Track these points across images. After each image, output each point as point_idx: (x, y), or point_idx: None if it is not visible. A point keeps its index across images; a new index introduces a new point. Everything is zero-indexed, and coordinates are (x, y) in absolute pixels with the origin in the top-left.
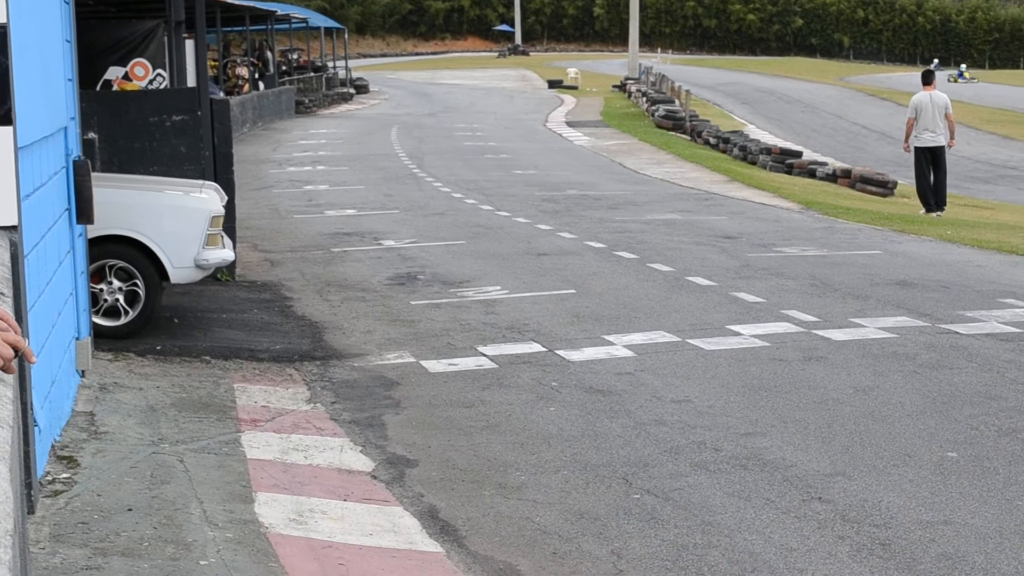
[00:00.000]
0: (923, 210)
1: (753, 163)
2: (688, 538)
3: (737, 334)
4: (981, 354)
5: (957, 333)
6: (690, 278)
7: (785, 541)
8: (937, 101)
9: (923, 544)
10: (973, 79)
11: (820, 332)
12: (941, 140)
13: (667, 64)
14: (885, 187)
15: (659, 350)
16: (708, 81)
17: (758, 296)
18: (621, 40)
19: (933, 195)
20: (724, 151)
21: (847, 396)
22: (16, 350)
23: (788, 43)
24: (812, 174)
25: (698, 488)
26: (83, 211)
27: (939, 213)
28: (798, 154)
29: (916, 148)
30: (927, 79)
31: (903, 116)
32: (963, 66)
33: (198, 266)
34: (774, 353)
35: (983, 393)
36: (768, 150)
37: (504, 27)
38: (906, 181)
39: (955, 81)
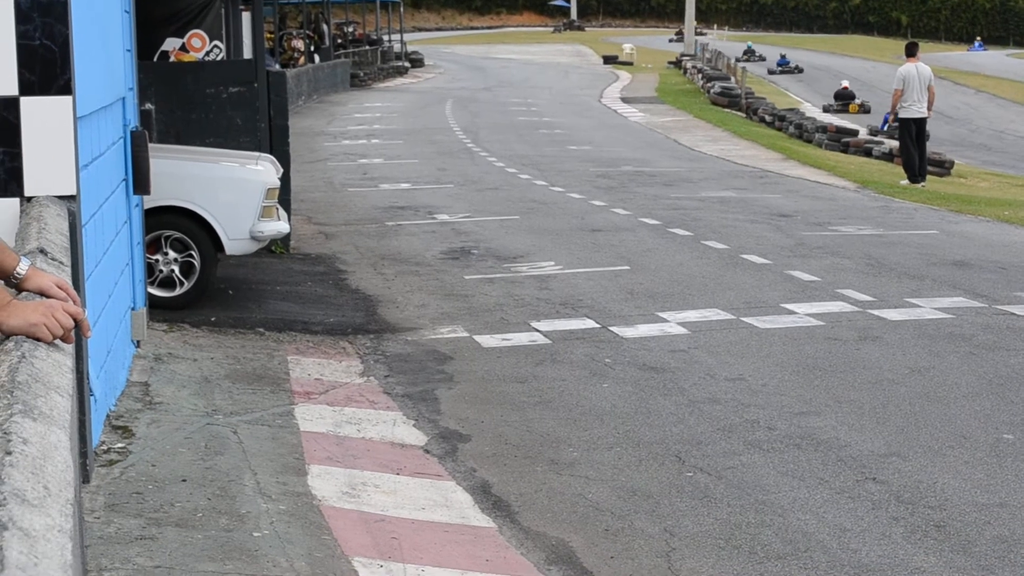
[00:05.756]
0: (906, 180)
1: (808, 141)
2: (741, 517)
3: (792, 313)
4: None
5: (1014, 314)
6: (745, 256)
7: (839, 521)
8: (923, 72)
9: (978, 527)
10: None
11: (875, 312)
12: (926, 111)
13: (723, 41)
14: (942, 167)
15: (713, 328)
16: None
17: (813, 275)
18: (677, 16)
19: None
20: (779, 129)
21: (902, 376)
22: (75, 320)
23: (845, 21)
24: (868, 153)
25: (751, 467)
26: (140, 182)
27: (923, 184)
28: (854, 132)
29: (902, 119)
30: (911, 51)
31: (960, 95)
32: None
33: (253, 238)
34: (829, 332)
35: None
36: (824, 128)
37: (560, 2)
38: (963, 160)
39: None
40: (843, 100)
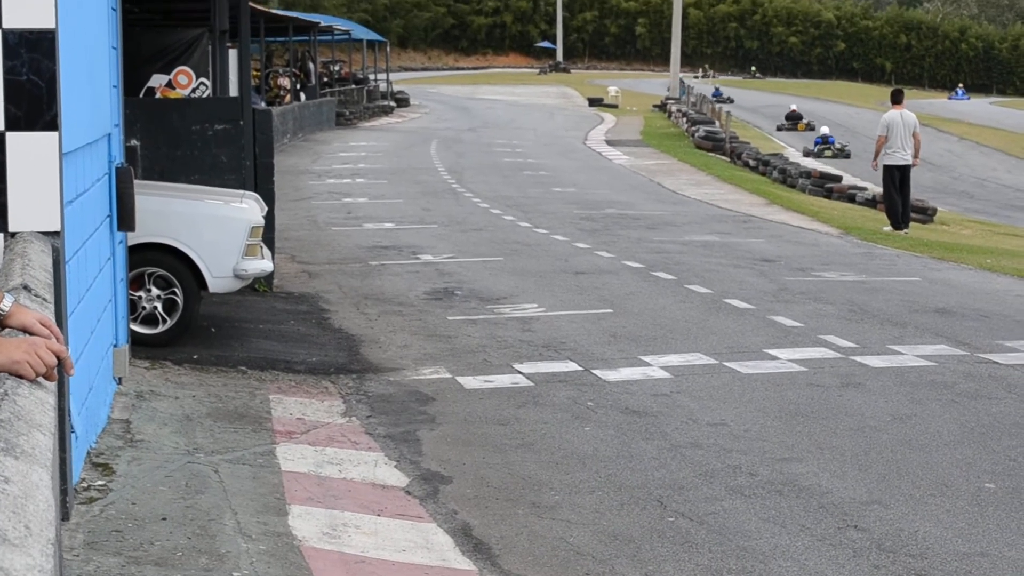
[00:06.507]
0: (888, 227)
1: (792, 186)
2: (722, 563)
3: (774, 358)
4: (1020, 384)
5: (996, 363)
6: (728, 300)
7: (820, 569)
8: (907, 120)
9: None
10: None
11: (858, 358)
12: (909, 159)
13: (707, 84)
14: (924, 213)
15: (696, 372)
16: (749, 103)
17: (796, 320)
18: (662, 59)
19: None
20: (763, 173)
21: (884, 424)
22: (58, 358)
23: (830, 66)
24: (851, 199)
25: (733, 513)
26: (124, 218)
27: (906, 231)
28: (838, 178)
29: (885, 166)
30: (897, 98)
31: (943, 142)
32: None
33: (237, 276)
34: (811, 378)
35: (1022, 424)
36: (807, 174)
37: (546, 44)
38: (946, 208)
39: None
40: (793, 120)
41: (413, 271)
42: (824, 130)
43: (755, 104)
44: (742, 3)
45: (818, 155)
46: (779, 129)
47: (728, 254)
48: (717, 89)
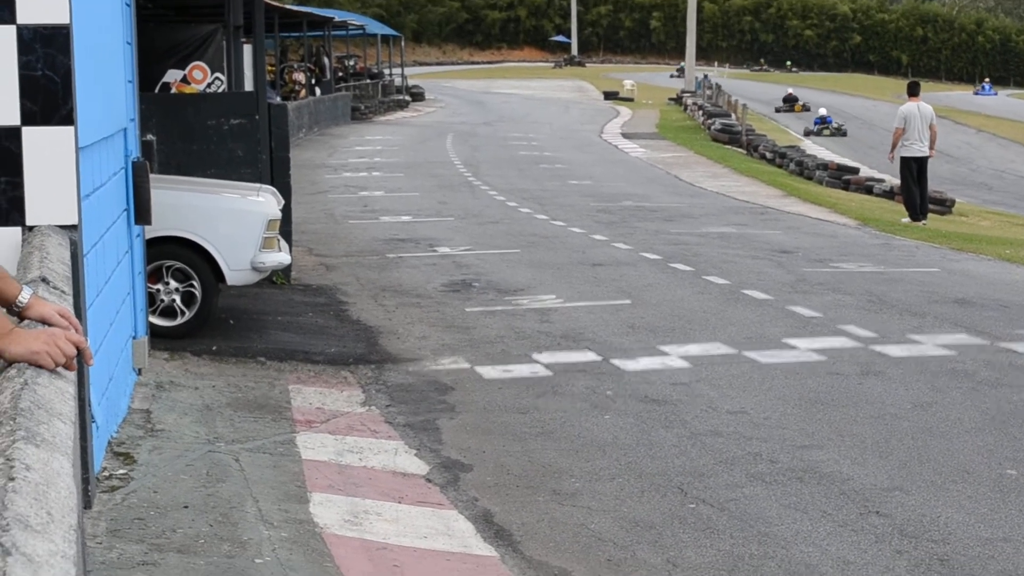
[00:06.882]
0: (907, 218)
1: (809, 178)
2: (744, 548)
3: (793, 348)
4: None
5: (1016, 352)
6: (746, 291)
7: (842, 554)
8: (924, 112)
9: (982, 561)
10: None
11: (877, 348)
12: (927, 150)
13: (724, 78)
14: (943, 205)
15: (715, 362)
16: (765, 96)
17: (814, 311)
18: (677, 53)
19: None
20: (780, 166)
21: (905, 411)
22: (77, 348)
23: (846, 59)
24: (869, 191)
25: (754, 499)
26: (141, 212)
27: (924, 222)
28: (855, 170)
29: (903, 158)
30: (913, 90)
31: (961, 135)
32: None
33: (254, 269)
34: (831, 367)
35: None
36: (825, 166)
37: (560, 38)
38: (964, 199)
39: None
40: (789, 103)
41: (430, 263)
42: (822, 111)
43: (770, 97)
44: None
45: (817, 134)
46: (777, 111)
47: (746, 245)
48: (706, 76)
